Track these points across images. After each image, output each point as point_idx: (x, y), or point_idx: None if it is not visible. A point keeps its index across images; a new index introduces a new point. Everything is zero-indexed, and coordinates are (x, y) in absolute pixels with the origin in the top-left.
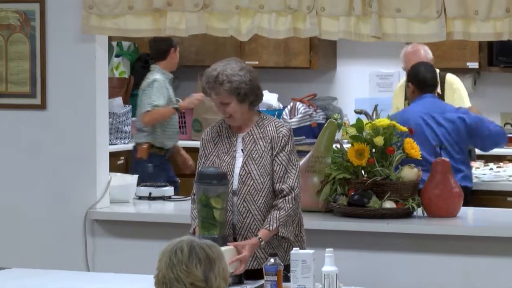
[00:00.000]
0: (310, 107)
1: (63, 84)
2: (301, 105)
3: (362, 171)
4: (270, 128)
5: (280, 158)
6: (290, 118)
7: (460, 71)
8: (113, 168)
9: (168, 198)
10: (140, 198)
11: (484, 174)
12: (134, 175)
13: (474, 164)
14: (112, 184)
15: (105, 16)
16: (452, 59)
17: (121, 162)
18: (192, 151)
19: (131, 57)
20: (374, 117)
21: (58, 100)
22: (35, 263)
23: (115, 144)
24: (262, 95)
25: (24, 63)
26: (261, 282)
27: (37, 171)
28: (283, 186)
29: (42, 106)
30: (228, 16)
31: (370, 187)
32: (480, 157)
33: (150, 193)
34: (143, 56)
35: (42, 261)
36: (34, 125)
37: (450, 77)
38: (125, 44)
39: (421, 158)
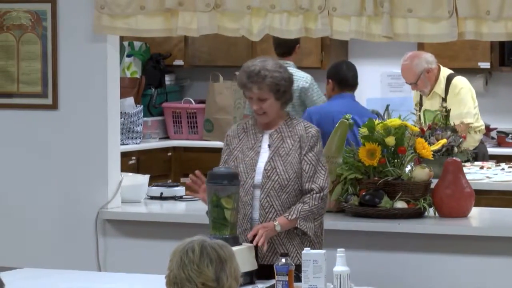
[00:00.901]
0: None
1: (74, 84)
2: None
3: (374, 171)
4: (299, 128)
5: (309, 157)
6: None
7: (472, 71)
8: (125, 168)
9: (180, 198)
10: (151, 198)
11: (496, 174)
12: (146, 175)
13: (486, 164)
14: (124, 184)
15: (117, 16)
16: (464, 59)
17: (133, 162)
18: (203, 151)
19: (143, 57)
20: (385, 117)
21: (69, 100)
22: (47, 263)
23: (127, 144)
24: (293, 96)
25: (36, 63)
26: (273, 282)
27: (49, 171)
28: (312, 186)
29: (54, 106)
30: (240, 16)
31: (382, 187)
32: (491, 157)
33: (161, 193)
34: (154, 56)
35: (54, 261)
36: (45, 125)
37: (456, 80)
38: (137, 44)
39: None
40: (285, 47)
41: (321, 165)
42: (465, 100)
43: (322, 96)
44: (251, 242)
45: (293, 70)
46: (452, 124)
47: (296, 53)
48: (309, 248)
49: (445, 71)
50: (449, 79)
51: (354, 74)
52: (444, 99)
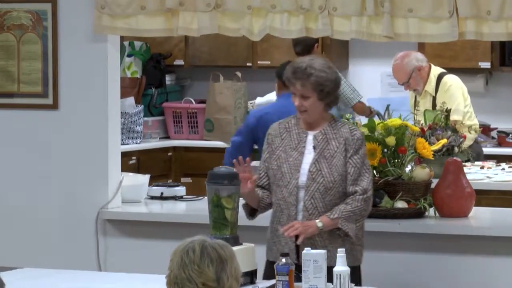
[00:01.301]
0: None
1: (75, 84)
2: None
3: (374, 171)
4: (344, 130)
5: (354, 160)
6: None
7: (472, 71)
8: (125, 168)
9: (180, 198)
10: (152, 198)
11: (496, 174)
12: (146, 175)
13: (486, 164)
14: (124, 184)
15: (117, 16)
16: (464, 59)
17: (133, 162)
18: (204, 151)
19: (143, 57)
20: (386, 117)
21: (70, 100)
22: (47, 263)
23: (127, 144)
24: (338, 100)
25: (36, 63)
26: (273, 282)
27: (49, 171)
28: (356, 188)
29: (54, 106)
30: (240, 16)
31: (382, 187)
32: (492, 157)
33: (162, 193)
34: (155, 56)
35: (54, 261)
36: (46, 125)
37: (446, 78)
38: (137, 44)
39: None
40: (304, 46)
41: (365, 168)
42: (454, 97)
43: (356, 91)
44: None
45: None
46: None
47: (315, 52)
48: (309, 248)
49: (436, 70)
50: (439, 78)
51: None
52: (435, 97)
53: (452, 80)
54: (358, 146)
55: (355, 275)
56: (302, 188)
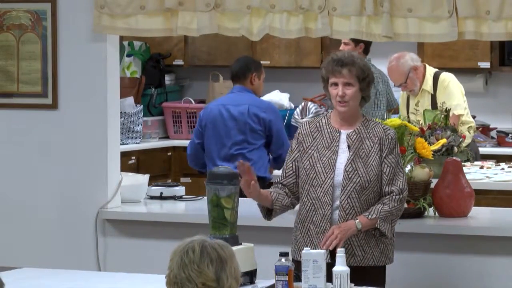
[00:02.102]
0: (322, 106)
1: (74, 83)
2: (312, 104)
3: None
4: (378, 130)
5: (389, 160)
6: (301, 118)
7: (472, 71)
8: (124, 167)
9: (180, 198)
10: (151, 197)
11: (496, 174)
12: (146, 175)
13: (486, 164)
14: (123, 184)
15: (117, 16)
16: (464, 59)
17: (133, 162)
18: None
19: (143, 57)
20: (385, 116)
21: (69, 99)
22: (46, 262)
23: (126, 143)
24: (370, 97)
25: (36, 62)
26: (272, 281)
27: (49, 170)
28: (392, 188)
29: (54, 105)
30: (240, 16)
31: None
32: (491, 157)
33: (161, 193)
34: (154, 55)
35: (53, 260)
36: (45, 125)
37: (443, 75)
38: (137, 43)
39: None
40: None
41: (400, 167)
42: (454, 93)
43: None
44: (330, 250)
45: (374, 67)
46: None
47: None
48: (309, 248)
49: (431, 69)
50: (435, 76)
51: (241, 64)
52: (434, 95)
53: (450, 77)
54: (393, 145)
55: (382, 274)
56: (337, 188)
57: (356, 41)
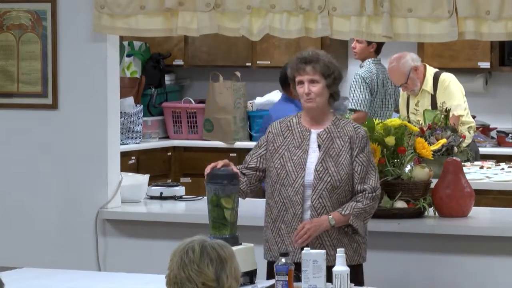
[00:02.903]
0: None
1: (74, 83)
2: None
3: None
4: (348, 128)
5: (360, 159)
6: None
7: (472, 71)
8: (124, 167)
9: (179, 198)
10: (151, 197)
11: (496, 174)
12: (146, 175)
13: (486, 164)
14: (123, 184)
15: (117, 16)
16: (464, 59)
17: (133, 162)
18: (203, 151)
19: (143, 57)
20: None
21: (69, 99)
22: (47, 262)
23: (126, 143)
24: (339, 95)
25: (36, 62)
26: (272, 282)
27: (49, 171)
28: (365, 186)
29: (54, 105)
30: (240, 16)
31: (382, 187)
32: (491, 157)
33: (161, 193)
34: (154, 55)
35: (54, 260)
36: (45, 125)
37: (444, 76)
38: (137, 43)
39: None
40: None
41: (372, 166)
42: (454, 93)
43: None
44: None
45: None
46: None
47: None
48: (309, 248)
49: (431, 70)
50: (436, 76)
51: (283, 73)
52: (434, 95)
53: (450, 77)
54: (364, 144)
55: (359, 273)
56: (308, 187)
57: (368, 40)
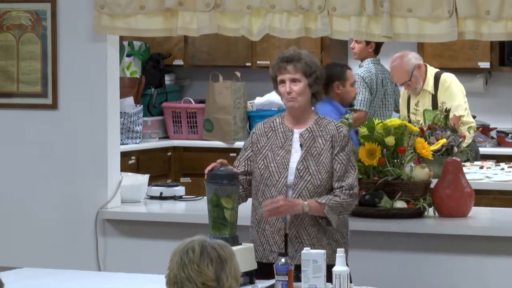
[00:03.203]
0: None
1: (74, 83)
2: None
3: (373, 171)
4: (330, 127)
5: (340, 157)
6: None
7: (472, 71)
8: (124, 167)
9: (179, 198)
10: (151, 197)
11: (496, 174)
12: (145, 175)
13: (486, 164)
14: (123, 184)
15: (117, 16)
16: (464, 59)
17: (132, 162)
18: (203, 151)
19: (143, 57)
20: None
21: (69, 100)
22: (46, 262)
23: (126, 143)
24: (323, 94)
25: (36, 62)
26: (272, 282)
27: (49, 171)
28: (342, 184)
29: (54, 106)
30: (240, 16)
31: (381, 187)
32: (491, 157)
33: (161, 193)
34: (154, 55)
35: (53, 260)
36: (45, 125)
37: (445, 76)
38: (136, 44)
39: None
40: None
41: (351, 165)
42: (455, 93)
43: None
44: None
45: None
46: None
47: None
48: (309, 248)
49: (432, 70)
50: (436, 76)
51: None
52: (435, 95)
53: (452, 78)
54: (345, 143)
55: None
56: (290, 187)
57: (367, 40)
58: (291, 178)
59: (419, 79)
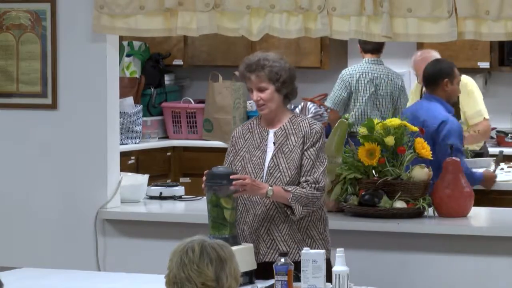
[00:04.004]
0: (321, 107)
1: (74, 84)
2: (312, 105)
3: (373, 171)
4: (303, 125)
5: (309, 152)
6: None
7: (471, 71)
8: (124, 167)
9: (179, 198)
10: (151, 197)
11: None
12: (145, 175)
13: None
14: (123, 184)
15: (116, 16)
16: (463, 59)
17: (132, 162)
18: (203, 151)
19: (142, 57)
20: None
21: (69, 100)
22: (46, 262)
23: (126, 143)
24: (297, 92)
25: (35, 62)
26: (272, 281)
27: (48, 171)
28: (308, 178)
29: (53, 106)
30: (239, 16)
31: (381, 187)
32: (491, 157)
33: (161, 193)
34: (154, 55)
35: (53, 260)
36: (45, 125)
37: (465, 79)
38: (136, 43)
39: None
40: (375, 43)
41: (319, 161)
42: (477, 98)
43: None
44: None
45: (387, 69)
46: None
47: (382, 52)
48: (309, 248)
49: None
50: None
51: (433, 71)
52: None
53: (472, 82)
54: (316, 139)
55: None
56: None
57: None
58: (264, 176)
59: None
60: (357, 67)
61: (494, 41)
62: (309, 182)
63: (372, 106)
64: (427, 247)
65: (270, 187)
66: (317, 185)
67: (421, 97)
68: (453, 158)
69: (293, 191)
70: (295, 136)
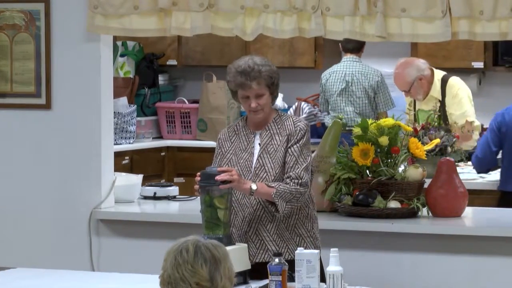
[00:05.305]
0: (315, 107)
1: (68, 83)
2: (306, 105)
3: (367, 171)
4: (288, 123)
5: (292, 149)
6: None
7: (465, 71)
8: (118, 167)
9: (173, 198)
10: (145, 197)
11: (489, 174)
12: (139, 175)
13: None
14: (117, 184)
15: (110, 16)
16: (457, 59)
17: (126, 162)
18: (197, 151)
19: (136, 57)
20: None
21: (63, 100)
22: (40, 263)
23: (120, 144)
24: (278, 94)
25: (29, 62)
26: (266, 281)
27: (42, 171)
28: (290, 173)
29: (47, 106)
30: (233, 16)
31: (375, 187)
32: None
33: (155, 193)
34: (148, 55)
35: (47, 261)
36: (39, 125)
37: (452, 81)
38: (130, 43)
39: None
40: (356, 43)
41: (303, 157)
42: (464, 100)
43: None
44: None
45: (363, 66)
46: (455, 124)
47: (362, 52)
48: (303, 248)
49: (439, 74)
50: (444, 81)
51: None
52: (442, 102)
53: (459, 84)
54: (300, 136)
55: None
56: None
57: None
58: (251, 177)
59: (419, 90)
60: (334, 67)
61: (488, 41)
62: (291, 178)
63: (346, 102)
64: (421, 247)
65: (253, 184)
66: (300, 181)
67: (414, 108)
68: (447, 158)
69: (276, 186)
70: (279, 135)
